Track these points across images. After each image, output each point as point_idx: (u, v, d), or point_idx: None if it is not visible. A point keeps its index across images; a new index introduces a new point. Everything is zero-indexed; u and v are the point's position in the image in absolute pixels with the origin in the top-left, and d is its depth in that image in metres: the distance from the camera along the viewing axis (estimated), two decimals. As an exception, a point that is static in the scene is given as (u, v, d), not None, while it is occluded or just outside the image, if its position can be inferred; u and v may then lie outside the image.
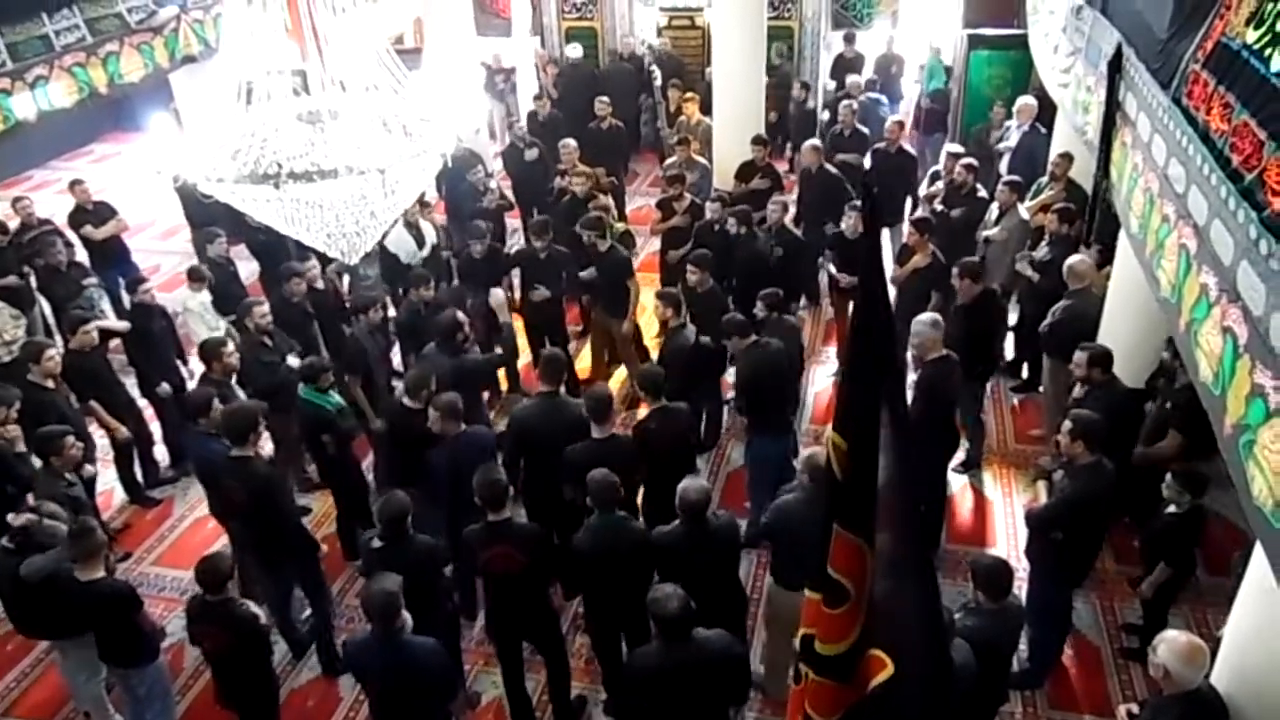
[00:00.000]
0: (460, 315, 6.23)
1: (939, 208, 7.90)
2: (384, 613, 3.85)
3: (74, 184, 8.59)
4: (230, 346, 5.98)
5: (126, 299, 7.53)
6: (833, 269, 7.60)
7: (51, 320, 7.94)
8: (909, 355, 5.72)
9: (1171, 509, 4.78)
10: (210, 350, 5.91)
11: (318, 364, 5.81)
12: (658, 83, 11.99)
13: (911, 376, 5.65)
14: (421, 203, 7.87)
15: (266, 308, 6.43)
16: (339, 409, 5.77)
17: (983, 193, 7.90)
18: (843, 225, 7.38)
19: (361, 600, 4.08)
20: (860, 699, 2.80)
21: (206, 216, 8.14)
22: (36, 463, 5.32)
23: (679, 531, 4.36)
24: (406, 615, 3.95)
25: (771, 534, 4.69)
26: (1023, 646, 4.85)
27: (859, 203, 7.35)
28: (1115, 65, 4.95)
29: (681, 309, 6.22)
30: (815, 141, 8.59)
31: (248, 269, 8.36)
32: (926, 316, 5.65)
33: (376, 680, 4.05)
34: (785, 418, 6.17)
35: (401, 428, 5.42)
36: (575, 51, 12.29)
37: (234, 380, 5.97)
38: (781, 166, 10.30)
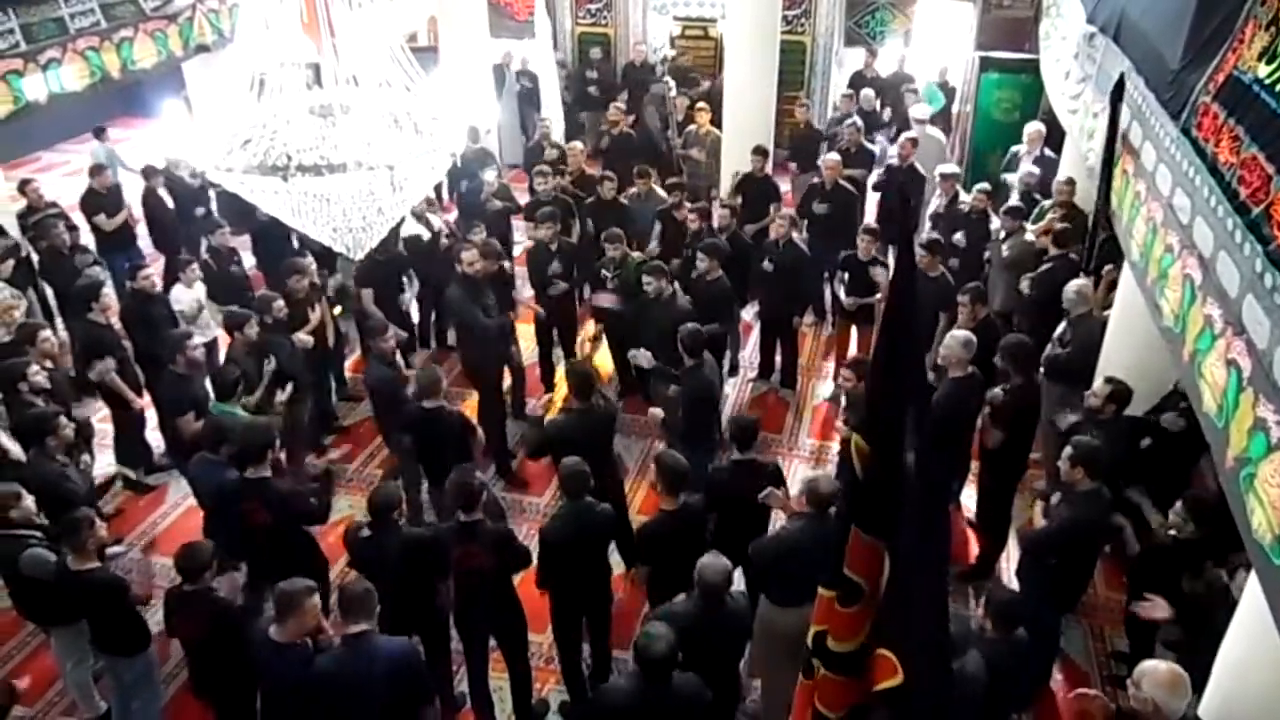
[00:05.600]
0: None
1: (951, 233, 7.87)
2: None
3: (94, 169, 8.50)
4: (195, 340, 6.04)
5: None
6: (842, 292, 7.43)
7: (53, 303, 7.94)
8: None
9: (1172, 533, 4.66)
10: (176, 345, 5.89)
11: (229, 378, 5.59)
12: (671, 93, 11.96)
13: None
14: (429, 200, 7.92)
15: (283, 303, 6.41)
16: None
17: (995, 219, 7.89)
18: (858, 248, 7.23)
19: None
20: (867, 697, 2.87)
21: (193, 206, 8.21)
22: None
23: (692, 611, 4.03)
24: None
25: (775, 560, 4.55)
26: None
27: (873, 225, 7.32)
28: (1118, 93, 4.96)
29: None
30: (836, 156, 8.46)
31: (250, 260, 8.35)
32: (960, 334, 5.65)
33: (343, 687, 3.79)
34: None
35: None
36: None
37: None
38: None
